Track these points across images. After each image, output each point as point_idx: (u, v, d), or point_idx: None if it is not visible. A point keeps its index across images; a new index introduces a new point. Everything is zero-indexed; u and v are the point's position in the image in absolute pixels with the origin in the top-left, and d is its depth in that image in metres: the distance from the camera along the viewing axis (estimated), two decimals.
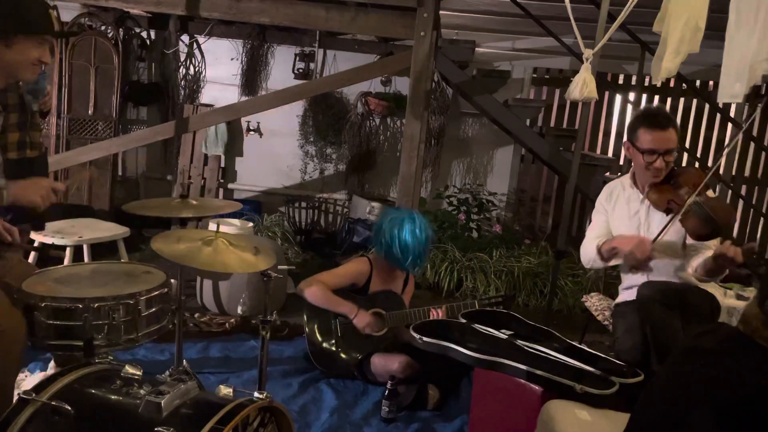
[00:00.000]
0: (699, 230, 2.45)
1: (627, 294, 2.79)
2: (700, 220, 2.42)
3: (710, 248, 2.51)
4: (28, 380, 2.59)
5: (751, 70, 2.69)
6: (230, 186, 6.12)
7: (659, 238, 2.55)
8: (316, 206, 6.03)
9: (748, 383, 1.37)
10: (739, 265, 2.29)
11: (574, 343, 2.60)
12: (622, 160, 5.65)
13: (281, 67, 5.82)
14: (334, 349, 3.08)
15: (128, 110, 5.88)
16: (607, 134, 6.11)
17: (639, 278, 2.70)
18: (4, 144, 2.72)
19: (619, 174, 4.97)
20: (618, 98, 5.97)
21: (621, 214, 2.77)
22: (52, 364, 2.55)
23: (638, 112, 2.85)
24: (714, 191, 2.74)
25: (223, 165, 5.96)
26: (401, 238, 3.10)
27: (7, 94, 2.67)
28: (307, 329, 3.15)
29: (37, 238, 3.44)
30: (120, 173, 5.88)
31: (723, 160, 5.91)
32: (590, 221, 2.96)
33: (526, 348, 2.45)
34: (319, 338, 3.11)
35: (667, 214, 2.57)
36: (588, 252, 2.76)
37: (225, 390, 1.58)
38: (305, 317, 3.17)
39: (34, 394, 1.48)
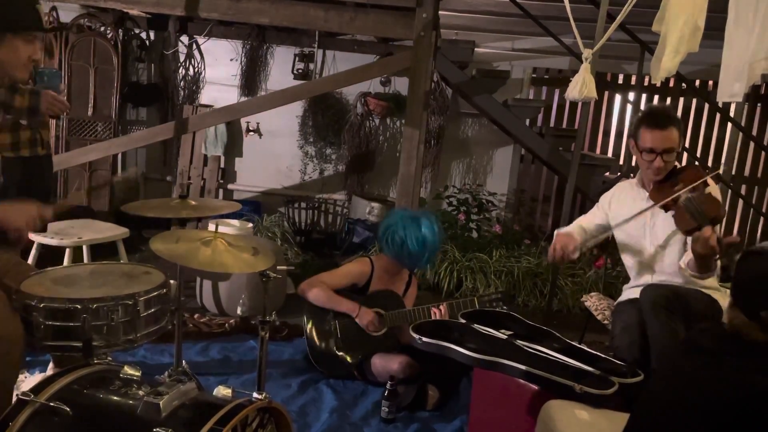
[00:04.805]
0: (686, 224, 2.41)
1: (630, 293, 2.80)
2: (688, 214, 2.39)
3: None
4: (27, 381, 2.59)
5: (750, 69, 2.69)
6: (230, 186, 6.12)
7: (589, 244, 2.73)
8: (315, 207, 6.03)
9: (746, 384, 1.37)
10: (718, 257, 2.29)
11: (573, 343, 2.60)
12: (621, 159, 5.65)
13: (281, 68, 5.82)
14: (333, 349, 3.08)
15: (128, 111, 5.88)
16: (606, 134, 6.11)
17: (645, 279, 2.70)
18: (17, 142, 2.72)
19: (619, 174, 4.98)
20: (617, 98, 5.97)
21: (628, 212, 2.77)
22: (51, 365, 2.55)
23: (643, 110, 2.84)
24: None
25: (222, 165, 5.96)
26: (419, 235, 3.06)
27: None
28: (306, 330, 3.15)
29: (36, 239, 3.44)
30: (119, 174, 5.88)
31: (723, 161, 5.91)
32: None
33: (525, 348, 2.45)
34: (319, 339, 3.11)
35: (666, 212, 2.57)
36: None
37: (224, 390, 1.58)
38: (305, 318, 3.16)
39: (32, 395, 1.47)
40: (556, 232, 2.91)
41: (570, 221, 3.11)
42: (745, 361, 1.41)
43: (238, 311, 3.65)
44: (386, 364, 2.93)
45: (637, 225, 2.72)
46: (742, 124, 5.59)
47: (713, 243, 2.24)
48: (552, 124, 6.07)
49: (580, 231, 2.89)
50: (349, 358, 3.04)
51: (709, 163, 5.84)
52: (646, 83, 5.30)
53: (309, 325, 3.14)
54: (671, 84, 5.77)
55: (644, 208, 2.64)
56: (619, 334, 2.58)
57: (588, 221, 2.93)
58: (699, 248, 2.30)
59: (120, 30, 5.47)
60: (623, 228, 2.78)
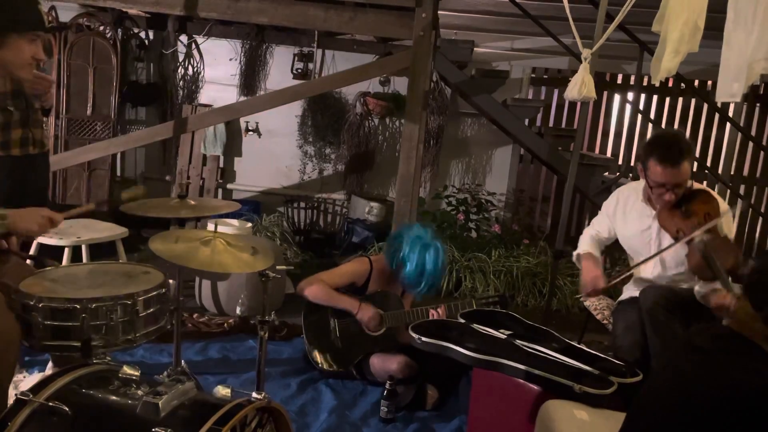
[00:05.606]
0: (701, 272, 2.39)
1: (630, 292, 2.80)
2: (704, 263, 2.34)
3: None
4: (26, 381, 2.59)
5: (749, 69, 2.68)
6: (229, 186, 6.11)
7: (616, 281, 2.70)
8: (314, 206, 6.03)
9: (742, 383, 1.37)
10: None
11: (572, 342, 2.60)
12: (620, 159, 5.65)
13: (280, 68, 5.82)
14: (332, 349, 3.07)
15: (127, 111, 5.87)
16: (605, 134, 6.11)
17: (644, 284, 2.70)
18: (7, 141, 2.71)
19: (618, 174, 4.98)
20: (617, 98, 5.97)
21: (633, 228, 2.76)
22: (50, 364, 2.55)
23: (653, 137, 2.71)
24: (713, 189, 2.73)
25: (221, 165, 5.96)
26: (420, 263, 2.98)
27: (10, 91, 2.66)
28: (305, 329, 3.14)
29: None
30: (118, 174, 5.88)
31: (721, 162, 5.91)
32: (588, 222, 2.98)
33: (524, 348, 2.45)
34: (318, 338, 3.10)
35: (676, 241, 2.52)
36: (577, 249, 2.93)
37: (223, 390, 1.58)
38: (303, 317, 3.16)
39: (31, 395, 1.47)
40: (577, 254, 2.88)
41: (569, 221, 3.11)
42: (741, 360, 1.41)
43: (237, 311, 3.65)
44: (385, 364, 2.93)
45: (642, 242, 2.71)
46: (741, 124, 5.59)
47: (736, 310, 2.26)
48: (551, 124, 6.07)
49: (594, 245, 2.86)
50: (348, 358, 3.04)
51: (708, 163, 5.84)
52: (645, 83, 5.30)
53: (308, 325, 3.14)
54: (670, 84, 5.77)
55: (662, 244, 2.62)
56: (622, 334, 2.58)
57: (597, 231, 2.90)
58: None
59: (119, 29, 5.46)
60: (628, 242, 2.79)
